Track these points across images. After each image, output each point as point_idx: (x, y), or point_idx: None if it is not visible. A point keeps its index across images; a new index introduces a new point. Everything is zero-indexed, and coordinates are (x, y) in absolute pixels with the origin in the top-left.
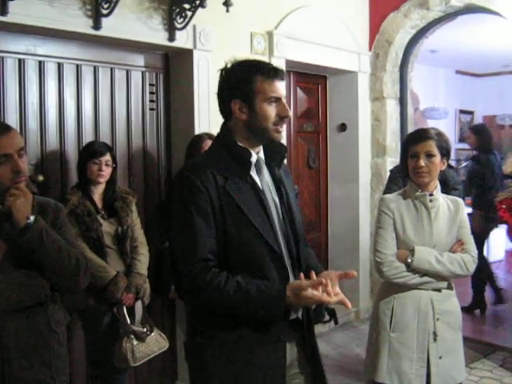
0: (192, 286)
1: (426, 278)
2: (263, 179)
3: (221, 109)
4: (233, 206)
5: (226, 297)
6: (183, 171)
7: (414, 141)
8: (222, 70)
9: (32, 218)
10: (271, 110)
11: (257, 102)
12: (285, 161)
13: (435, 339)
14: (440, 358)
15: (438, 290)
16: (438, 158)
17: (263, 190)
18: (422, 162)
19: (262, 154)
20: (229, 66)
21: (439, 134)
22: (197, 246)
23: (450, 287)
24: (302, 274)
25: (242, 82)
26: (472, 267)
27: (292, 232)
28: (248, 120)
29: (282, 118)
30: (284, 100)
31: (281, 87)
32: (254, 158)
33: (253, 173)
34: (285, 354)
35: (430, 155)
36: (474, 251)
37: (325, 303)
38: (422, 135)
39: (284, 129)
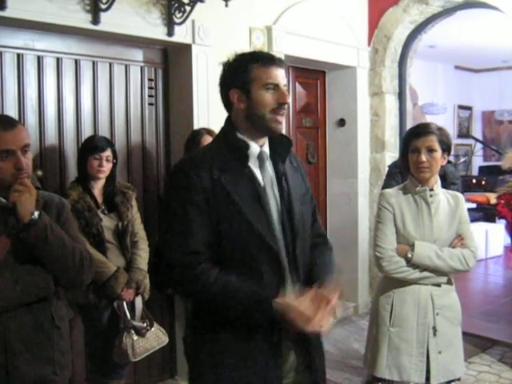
0: (180, 278)
1: (425, 273)
2: (266, 173)
3: (222, 101)
4: (228, 199)
5: (211, 296)
6: (179, 163)
7: (415, 135)
8: (222, 64)
9: (36, 213)
10: (268, 97)
11: (253, 90)
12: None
13: (435, 334)
14: (439, 352)
15: (438, 285)
16: (439, 153)
17: (264, 184)
18: (424, 157)
19: (266, 148)
20: (228, 59)
21: (440, 129)
22: (188, 237)
23: (449, 282)
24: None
25: (239, 70)
26: (472, 262)
27: (290, 229)
28: (246, 109)
29: (280, 104)
30: (283, 87)
31: (278, 74)
32: (255, 151)
33: (254, 166)
34: (280, 357)
35: (431, 150)
36: (474, 246)
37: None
38: (423, 130)
39: (283, 123)
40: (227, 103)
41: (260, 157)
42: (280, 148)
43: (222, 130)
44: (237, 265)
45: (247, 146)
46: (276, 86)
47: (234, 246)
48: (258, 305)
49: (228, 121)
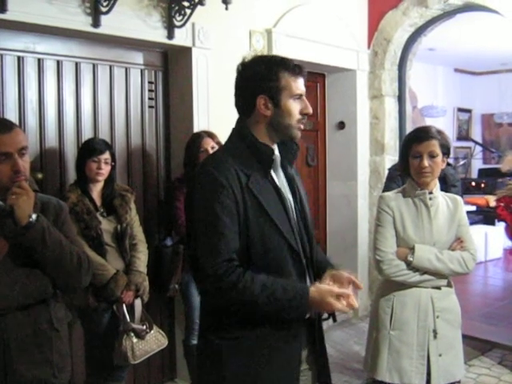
0: (217, 287)
1: (425, 276)
2: (279, 177)
3: (241, 104)
4: (255, 204)
5: (251, 297)
6: (205, 166)
7: (416, 140)
8: (242, 65)
9: (34, 216)
10: (296, 107)
11: (282, 98)
12: None
13: (435, 337)
14: (440, 355)
15: (438, 288)
16: (440, 158)
17: (280, 188)
18: (426, 163)
19: (277, 152)
20: (248, 61)
21: (440, 133)
22: (221, 245)
23: (449, 285)
24: (328, 278)
25: (269, 77)
26: (471, 265)
27: (305, 231)
28: (272, 116)
29: (304, 115)
30: (304, 97)
31: (303, 84)
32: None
33: (271, 171)
34: (300, 352)
35: (433, 155)
36: (474, 249)
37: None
38: (424, 135)
39: None
40: (247, 106)
41: (274, 161)
42: (288, 152)
43: (238, 132)
44: (265, 269)
45: (272, 152)
46: (300, 96)
47: (263, 250)
48: (297, 295)
49: (242, 123)
